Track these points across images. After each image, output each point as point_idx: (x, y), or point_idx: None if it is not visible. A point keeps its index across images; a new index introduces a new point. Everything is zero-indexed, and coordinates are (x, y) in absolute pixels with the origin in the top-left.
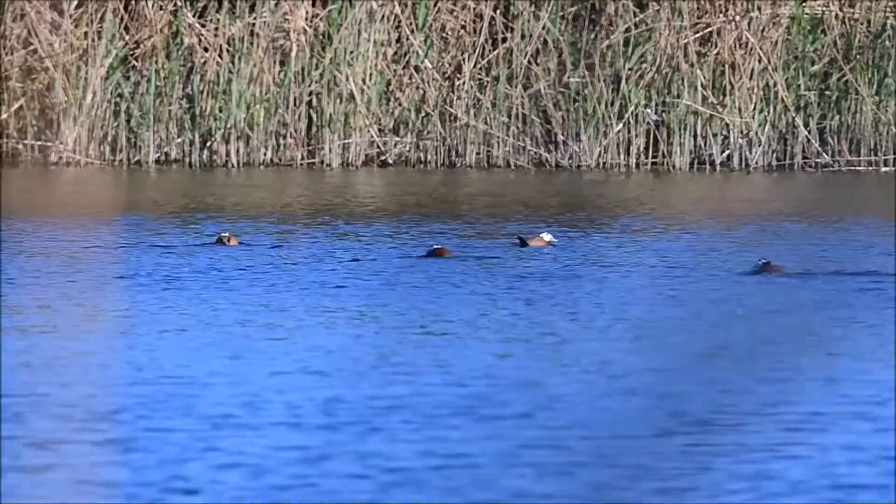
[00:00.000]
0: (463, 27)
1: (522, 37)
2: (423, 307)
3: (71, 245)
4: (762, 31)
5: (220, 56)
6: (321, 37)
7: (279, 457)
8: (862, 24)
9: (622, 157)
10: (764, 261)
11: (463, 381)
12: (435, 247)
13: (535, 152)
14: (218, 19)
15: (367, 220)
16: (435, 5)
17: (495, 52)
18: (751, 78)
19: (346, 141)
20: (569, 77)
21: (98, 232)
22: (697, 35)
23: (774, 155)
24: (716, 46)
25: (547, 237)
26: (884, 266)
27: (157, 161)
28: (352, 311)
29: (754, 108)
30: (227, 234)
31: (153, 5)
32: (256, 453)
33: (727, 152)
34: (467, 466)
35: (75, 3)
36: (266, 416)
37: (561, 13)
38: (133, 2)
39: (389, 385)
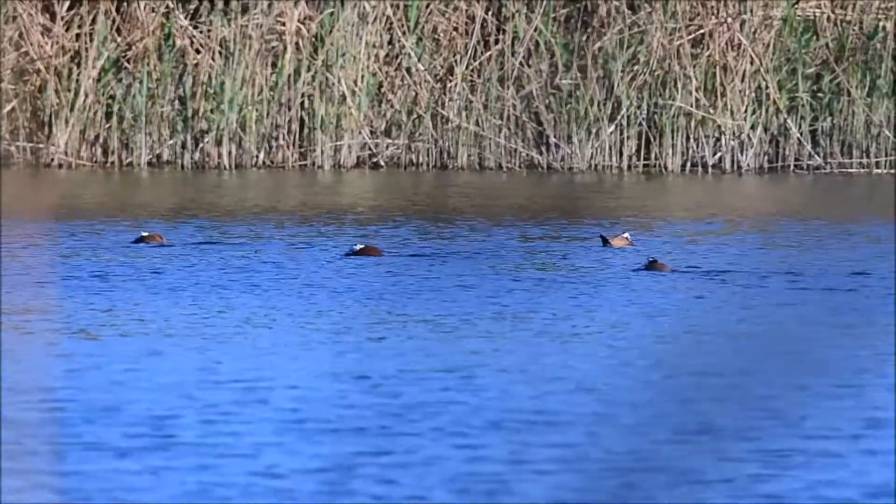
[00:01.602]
0: (455, 29)
1: (514, 39)
2: (455, 309)
3: (76, 246)
4: (754, 32)
5: (212, 58)
6: (313, 39)
7: (342, 461)
8: (854, 26)
9: (614, 159)
10: (651, 258)
11: (518, 385)
12: (359, 246)
13: (527, 154)
14: (210, 21)
15: (368, 221)
16: (427, 7)
17: (487, 53)
18: (743, 80)
19: (338, 143)
20: (561, 79)
21: (90, 233)
22: (690, 37)
23: (766, 157)
24: (708, 48)
25: (628, 236)
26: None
27: (150, 163)
28: (381, 313)
29: (746, 110)
30: (149, 233)
31: (145, 7)
32: (321, 456)
33: (719, 154)
34: (531, 472)
35: (67, 5)
36: (327, 421)
37: (553, 15)
38: (125, 4)
39: (448, 390)
